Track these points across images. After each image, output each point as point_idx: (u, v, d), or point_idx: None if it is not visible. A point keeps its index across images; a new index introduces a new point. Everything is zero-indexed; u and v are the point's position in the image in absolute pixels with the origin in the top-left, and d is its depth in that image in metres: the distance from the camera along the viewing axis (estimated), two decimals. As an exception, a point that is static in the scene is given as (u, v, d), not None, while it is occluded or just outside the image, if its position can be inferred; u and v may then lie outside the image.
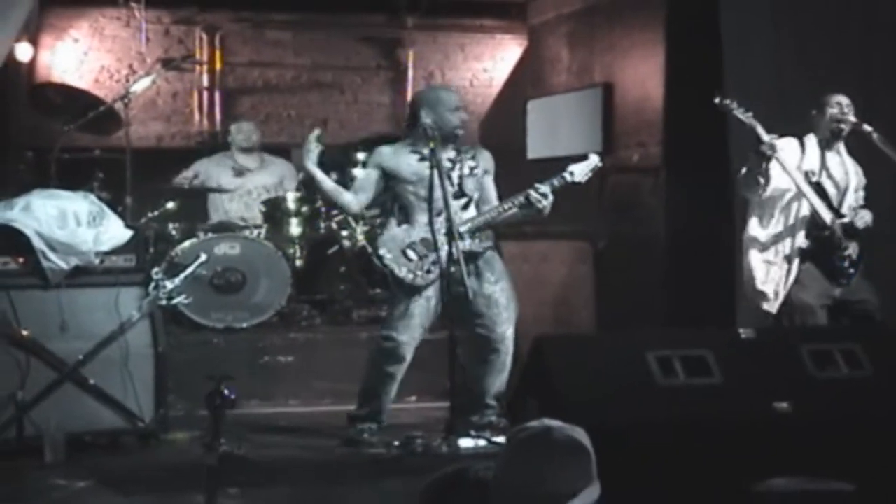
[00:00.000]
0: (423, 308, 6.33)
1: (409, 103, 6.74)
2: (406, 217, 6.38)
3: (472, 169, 6.40)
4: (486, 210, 6.40)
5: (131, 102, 8.21)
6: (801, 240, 6.51)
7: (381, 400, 6.41)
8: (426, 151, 6.23)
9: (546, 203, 6.29)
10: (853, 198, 6.67)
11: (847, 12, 7.75)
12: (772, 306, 6.53)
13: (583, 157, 6.47)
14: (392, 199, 6.45)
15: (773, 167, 6.36)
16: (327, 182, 6.47)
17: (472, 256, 6.25)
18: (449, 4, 10.67)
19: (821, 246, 6.49)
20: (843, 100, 6.55)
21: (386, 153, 6.45)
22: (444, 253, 6.21)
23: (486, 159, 6.52)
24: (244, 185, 8.99)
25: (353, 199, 6.49)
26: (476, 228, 6.33)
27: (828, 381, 5.00)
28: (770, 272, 6.53)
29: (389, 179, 6.40)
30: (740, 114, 6.38)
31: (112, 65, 10.13)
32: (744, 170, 6.49)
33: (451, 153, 6.38)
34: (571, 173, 6.38)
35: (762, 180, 6.37)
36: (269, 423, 7.01)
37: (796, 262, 6.49)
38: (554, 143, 9.54)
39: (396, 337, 6.32)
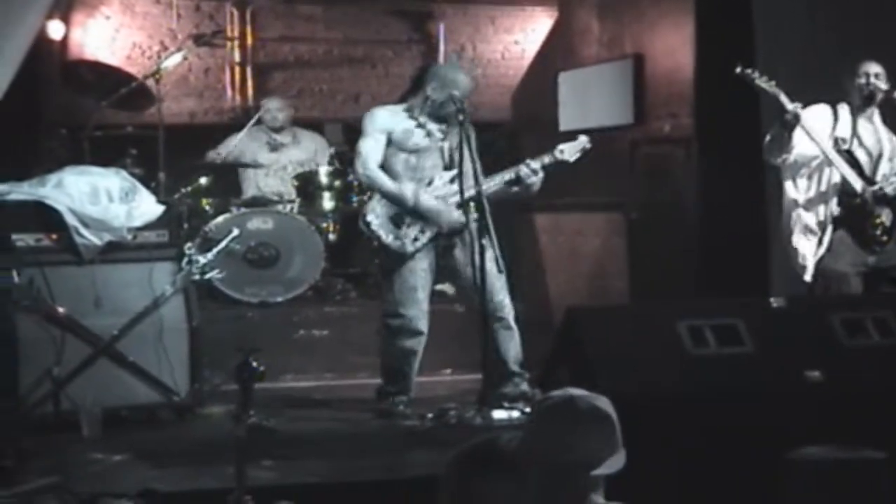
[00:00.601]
0: (423, 280, 6.30)
1: (421, 70, 6.63)
2: None
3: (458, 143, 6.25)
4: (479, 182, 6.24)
5: (163, 79, 8.23)
6: (834, 207, 6.48)
7: (406, 376, 6.39)
8: (422, 119, 6.23)
9: (536, 180, 6.30)
10: (887, 166, 6.62)
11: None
12: (807, 274, 6.50)
13: (572, 137, 6.50)
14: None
15: (798, 134, 6.33)
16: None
17: (461, 228, 6.20)
18: (478, -23, 10.65)
19: (852, 213, 6.46)
20: (875, 68, 6.50)
21: (386, 116, 6.37)
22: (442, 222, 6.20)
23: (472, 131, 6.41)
24: (279, 160, 8.99)
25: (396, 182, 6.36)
26: (466, 200, 6.13)
27: (859, 349, 5.00)
28: (805, 240, 6.51)
29: (387, 145, 6.32)
30: (763, 83, 6.33)
31: (143, 41, 10.12)
32: (768, 136, 6.47)
33: (443, 125, 6.30)
34: (561, 151, 6.39)
35: (785, 148, 6.35)
36: (303, 396, 7.04)
37: (829, 229, 6.46)
38: (586, 115, 9.49)
39: (404, 312, 6.28)
